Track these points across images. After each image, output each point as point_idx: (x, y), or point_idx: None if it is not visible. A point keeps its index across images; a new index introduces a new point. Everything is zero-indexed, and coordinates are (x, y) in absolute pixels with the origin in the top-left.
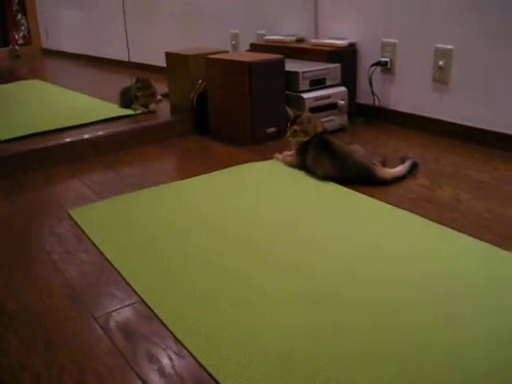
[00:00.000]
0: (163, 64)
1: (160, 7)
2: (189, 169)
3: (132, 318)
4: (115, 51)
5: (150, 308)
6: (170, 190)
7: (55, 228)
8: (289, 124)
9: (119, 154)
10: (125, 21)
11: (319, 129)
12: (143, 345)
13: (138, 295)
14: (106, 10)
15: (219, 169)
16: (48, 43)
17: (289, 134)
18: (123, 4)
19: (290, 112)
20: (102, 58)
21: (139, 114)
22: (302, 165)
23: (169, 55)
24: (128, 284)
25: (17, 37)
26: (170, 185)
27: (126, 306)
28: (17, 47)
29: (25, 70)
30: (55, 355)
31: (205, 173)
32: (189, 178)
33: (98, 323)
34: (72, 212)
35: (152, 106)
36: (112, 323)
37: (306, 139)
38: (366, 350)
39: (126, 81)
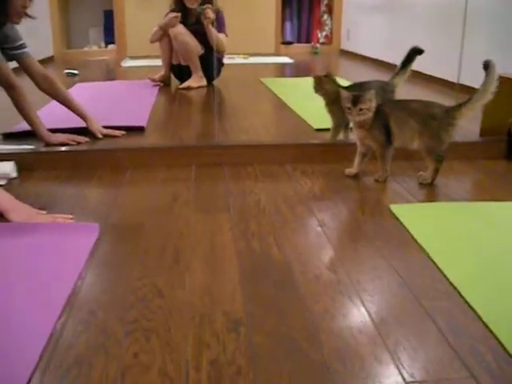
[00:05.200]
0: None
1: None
2: (491, 192)
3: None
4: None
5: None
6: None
7: (376, 219)
8: (349, 105)
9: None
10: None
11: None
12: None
13: (464, 298)
14: (412, 17)
15: None
16: (347, 45)
17: (355, 114)
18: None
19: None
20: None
21: None
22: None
23: None
24: (451, 284)
25: (319, 36)
26: (480, 204)
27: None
28: (317, 45)
29: (320, 67)
30: None
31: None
32: (495, 201)
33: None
34: (393, 207)
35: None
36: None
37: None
38: None
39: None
